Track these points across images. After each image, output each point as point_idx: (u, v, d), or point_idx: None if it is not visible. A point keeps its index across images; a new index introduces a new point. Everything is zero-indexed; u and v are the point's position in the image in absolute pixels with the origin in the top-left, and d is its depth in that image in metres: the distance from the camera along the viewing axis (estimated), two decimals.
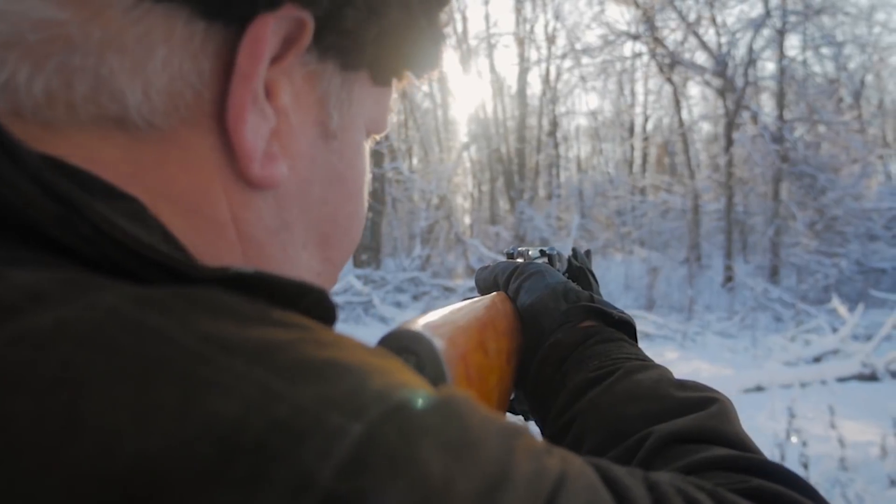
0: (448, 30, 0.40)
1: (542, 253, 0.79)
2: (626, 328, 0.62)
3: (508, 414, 0.64)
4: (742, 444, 0.43)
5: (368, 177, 0.42)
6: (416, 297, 10.33)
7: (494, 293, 0.67)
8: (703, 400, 0.48)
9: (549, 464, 0.26)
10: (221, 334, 0.22)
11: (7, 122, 0.27)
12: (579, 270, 0.76)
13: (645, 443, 0.45)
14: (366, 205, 0.42)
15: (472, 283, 10.22)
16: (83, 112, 0.29)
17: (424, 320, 0.43)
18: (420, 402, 0.22)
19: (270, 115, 0.32)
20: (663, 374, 0.53)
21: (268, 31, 0.30)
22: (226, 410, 0.19)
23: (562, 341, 0.59)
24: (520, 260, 0.76)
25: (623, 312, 0.63)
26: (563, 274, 0.75)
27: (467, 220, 16.20)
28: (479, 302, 0.59)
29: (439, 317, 0.46)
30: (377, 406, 0.21)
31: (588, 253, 0.81)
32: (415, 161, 17.18)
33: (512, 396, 0.63)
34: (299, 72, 0.33)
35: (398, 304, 9.96)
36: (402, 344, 0.37)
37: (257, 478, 0.19)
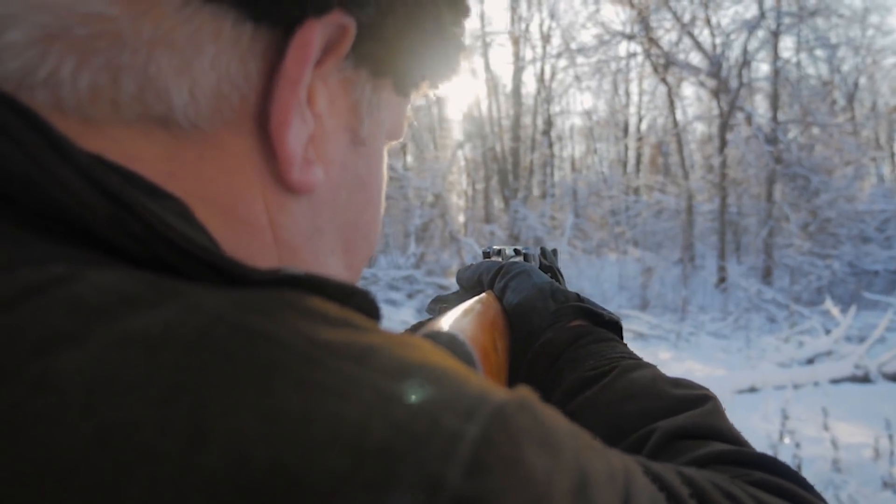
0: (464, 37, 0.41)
1: (517, 252, 0.81)
2: (614, 328, 0.63)
3: None
4: (737, 439, 0.46)
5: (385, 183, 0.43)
6: (410, 296, 10.31)
7: (486, 293, 0.68)
8: (698, 397, 0.50)
9: (613, 461, 0.26)
10: (324, 337, 0.22)
11: (47, 117, 0.26)
12: (548, 269, 0.78)
13: (649, 439, 0.47)
14: (383, 211, 0.42)
15: None
16: (127, 110, 0.28)
17: (446, 319, 0.43)
18: (511, 404, 0.23)
19: (310, 120, 0.32)
20: (656, 372, 0.54)
21: (315, 35, 0.30)
22: (348, 414, 0.20)
23: (553, 340, 0.60)
24: (498, 259, 0.78)
25: (611, 313, 0.65)
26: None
27: (462, 218, 16.20)
28: (479, 302, 0.60)
29: (455, 319, 0.47)
30: (483, 408, 0.21)
31: (555, 251, 0.84)
32: (409, 159, 17.16)
33: None
34: (335, 77, 0.34)
35: (392, 302, 9.93)
36: (440, 345, 0.37)
37: (389, 480, 0.19)
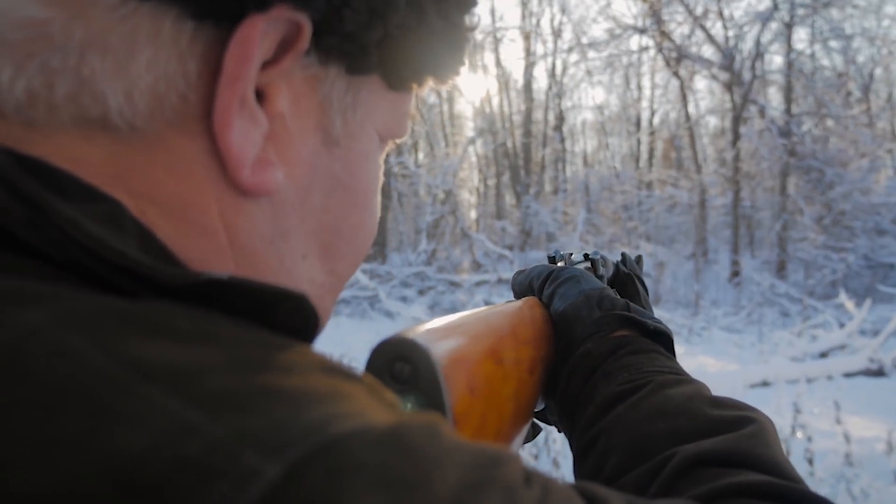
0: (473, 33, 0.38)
1: (586, 257, 0.75)
2: (662, 339, 0.59)
3: (542, 424, 0.63)
4: (779, 469, 0.40)
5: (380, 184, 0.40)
6: (421, 292, 10.34)
7: (524, 299, 0.65)
8: (738, 419, 0.45)
9: (521, 498, 0.24)
10: (147, 357, 0.21)
11: None
12: (627, 277, 0.73)
13: (669, 463, 0.42)
14: (377, 215, 0.40)
15: (477, 277, 10.37)
16: (64, 113, 0.28)
17: (429, 326, 0.41)
18: (362, 436, 0.20)
19: (262, 120, 0.31)
20: (699, 389, 0.50)
21: (257, 32, 0.28)
22: (130, 445, 0.18)
23: (591, 351, 0.56)
24: (560, 264, 0.73)
25: (660, 322, 0.60)
26: (607, 280, 0.73)
27: (473, 214, 16.24)
28: (501, 308, 0.56)
29: (447, 323, 0.44)
30: (304, 442, 0.19)
31: (639, 259, 0.78)
32: (420, 156, 17.16)
33: (542, 407, 0.62)
34: (299, 75, 0.32)
35: (404, 299, 9.96)
36: (397, 352, 0.36)
37: None
